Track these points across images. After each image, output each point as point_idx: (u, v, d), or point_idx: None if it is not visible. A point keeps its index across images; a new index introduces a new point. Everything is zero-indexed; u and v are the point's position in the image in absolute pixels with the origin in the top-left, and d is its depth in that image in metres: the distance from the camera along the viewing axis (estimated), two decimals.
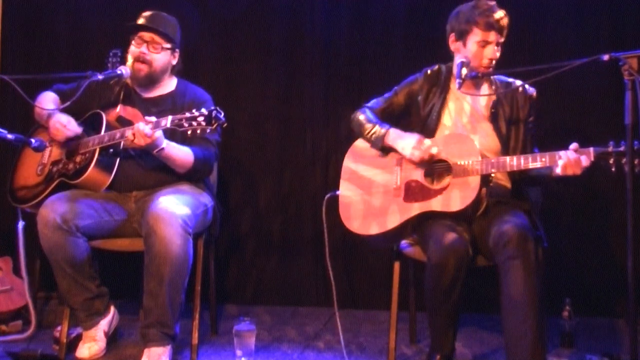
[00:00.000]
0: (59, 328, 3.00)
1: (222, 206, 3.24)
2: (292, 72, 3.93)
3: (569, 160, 2.48)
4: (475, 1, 2.80)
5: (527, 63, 3.35)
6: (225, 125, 2.68)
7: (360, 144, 2.94)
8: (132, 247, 2.95)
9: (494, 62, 2.77)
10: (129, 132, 2.77)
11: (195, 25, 3.87)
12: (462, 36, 2.80)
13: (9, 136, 2.94)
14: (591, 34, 3.66)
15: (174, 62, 3.12)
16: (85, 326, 2.96)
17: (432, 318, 2.66)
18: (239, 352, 2.88)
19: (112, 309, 3.05)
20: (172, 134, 2.88)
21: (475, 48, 2.76)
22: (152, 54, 3.02)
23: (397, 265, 2.90)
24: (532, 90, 2.86)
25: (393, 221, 2.72)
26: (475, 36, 2.75)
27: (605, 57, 2.23)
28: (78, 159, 2.96)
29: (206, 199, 3.04)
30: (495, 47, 2.76)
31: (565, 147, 2.51)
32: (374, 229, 2.75)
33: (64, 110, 3.01)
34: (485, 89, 2.90)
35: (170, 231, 2.69)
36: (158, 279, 2.70)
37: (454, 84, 2.80)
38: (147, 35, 3.02)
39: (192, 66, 3.79)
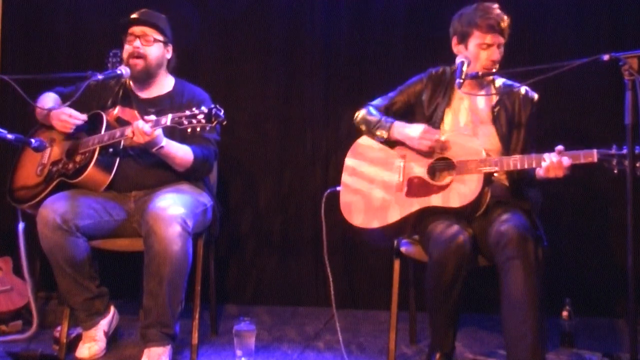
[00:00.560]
0: (59, 328, 3.00)
1: (222, 206, 3.24)
2: (292, 72, 3.93)
3: (551, 162, 2.49)
4: (476, 4, 2.81)
5: (527, 63, 3.35)
6: (225, 122, 2.69)
7: (362, 141, 2.94)
8: (132, 247, 2.94)
9: (496, 63, 2.78)
10: (128, 131, 2.78)
11: (195, 25, 3.87)
12: (463, 39, 2.81)
13: (9, 136, 2.94)
14: (591, 34, 3.67)
15: (168, 56, 3.12)
16: (85, 326, 2.96)
17: (433, 317, 2.66)
18: (239, 352, 2.88)
19: (112, 309, 3.05)
20: (171, 133, 2.88)
21: (476, 50, 2.77)
22: (145, 47, 3.02)
23: (397, 264, 2.90)
24: (534, 94, 2.87)
25: (394, 216, 2.73)
26: (477, 38, 2.76)
27: (606, 57, 2.23)
28: (78, 158, 2.96)
29: (206, 199, 3.04)
30: (497, 49, 2.77)
31: (566, 148, 2.51)
32: (374, 223, 2.76)
33: None
34: (487, 91, 2.91)
35: (170, 231, 2.69)
36: (158, 278, 2.70)
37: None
38: (138, 29, 3.03)
39: (192, 66, 3.81)
